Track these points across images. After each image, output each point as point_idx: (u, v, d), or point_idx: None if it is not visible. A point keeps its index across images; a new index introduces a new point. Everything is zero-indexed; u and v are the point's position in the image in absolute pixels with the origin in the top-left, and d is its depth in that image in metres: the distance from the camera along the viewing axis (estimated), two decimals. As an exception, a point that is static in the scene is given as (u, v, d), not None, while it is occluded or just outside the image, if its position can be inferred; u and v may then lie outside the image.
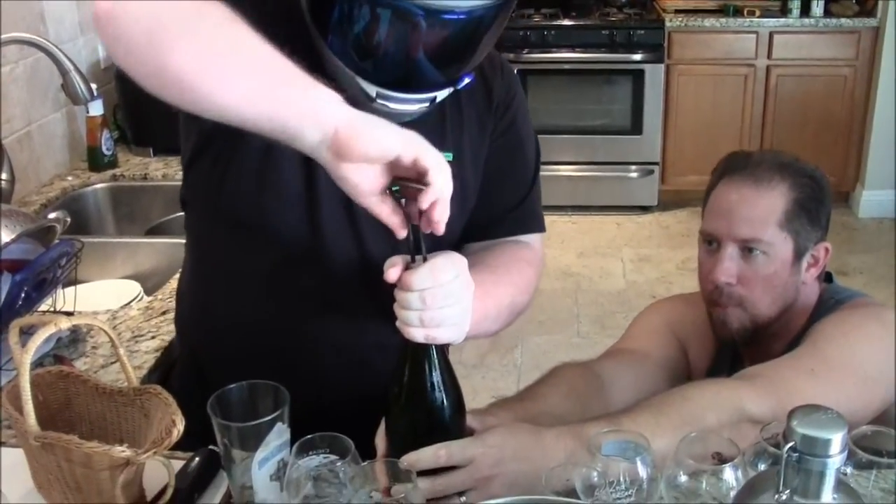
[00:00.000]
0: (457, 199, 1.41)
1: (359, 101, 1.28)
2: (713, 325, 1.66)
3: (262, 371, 1.37)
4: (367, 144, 1.06)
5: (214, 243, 1.53)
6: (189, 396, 1.31)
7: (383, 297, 1.20)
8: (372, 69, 1.29)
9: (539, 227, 1.57)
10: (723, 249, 1.60)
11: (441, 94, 1.34)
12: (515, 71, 5.08)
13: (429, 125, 1.39)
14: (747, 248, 1.59)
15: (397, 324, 1.17)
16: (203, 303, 1.60)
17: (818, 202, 1.62)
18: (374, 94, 1.29)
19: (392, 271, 1.17)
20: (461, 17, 1.21)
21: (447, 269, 1.17)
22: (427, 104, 1.34)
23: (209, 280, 1.57)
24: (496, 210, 1.53)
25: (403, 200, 1.13)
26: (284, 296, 1.48)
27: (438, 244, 1.40)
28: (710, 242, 1.63)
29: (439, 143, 1.37)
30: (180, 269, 1.69)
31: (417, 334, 1.16)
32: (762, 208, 1.58)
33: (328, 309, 1.49)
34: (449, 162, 1.36)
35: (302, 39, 1.26)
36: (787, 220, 1.59)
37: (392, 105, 1.31)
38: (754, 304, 1.60)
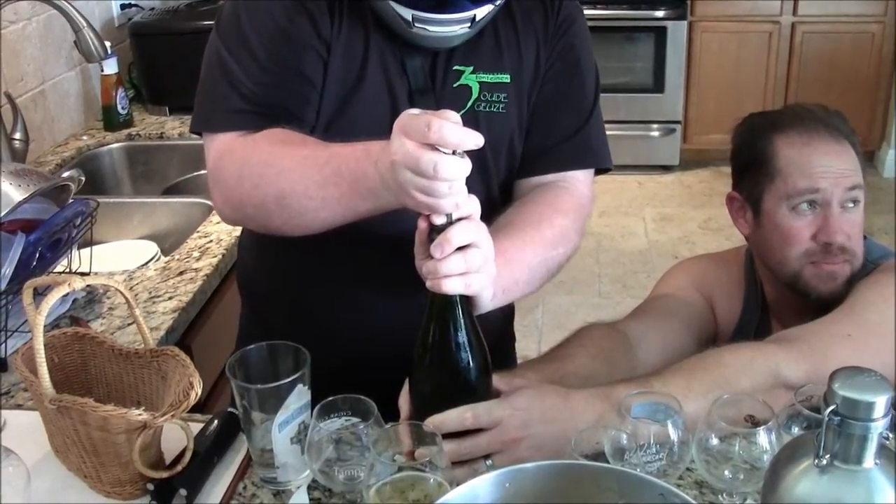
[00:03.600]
0: (515, 121, 1.45)
1: (400, 29, 1.32)
2: (807, 285, 1.59)
3: (308, 328, 1.39)
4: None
5: None
6: None
7: None
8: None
9: (595, 162, 1.51)
10: (831, 207, 1.56)
11: (480, 13, 1.31)
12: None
13: (483, 47, 1.41)
14: (846, 202, 1.56)
15: (426, 282, 1.14)
16: (263, 253, 1.60)
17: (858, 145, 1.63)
18: (410, 19, 1.29)
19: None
20: None
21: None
22: (468, 25, 1.32)
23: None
24: (550, 140, 1.49)
25: None
26: (340, 245, 1.44)
27: (510, 165, 1.48)
28: (800, 205, 1.57)
29: (496, 64, 1.41)
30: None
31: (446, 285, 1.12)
32: (850, 156, 1.58)
33: (381, 259, 1.43)
34: (506, 84, 1.42)
35: None
36: (860, 164, 1.59)
37: (431, 28, 1.31)
38: (857, 255, 1.58)
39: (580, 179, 1.49)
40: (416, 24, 1.30)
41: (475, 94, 1.42)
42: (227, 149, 1.35)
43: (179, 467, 1.22)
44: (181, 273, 1.96)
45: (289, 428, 1.20)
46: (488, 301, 1.21)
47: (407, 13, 1.29)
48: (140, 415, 1.15)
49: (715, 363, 1.32)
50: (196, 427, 1.30)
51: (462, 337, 1.14)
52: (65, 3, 2.32)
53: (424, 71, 1.40)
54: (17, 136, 2.42)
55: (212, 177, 1.38)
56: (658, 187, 5.38)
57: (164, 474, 1.22)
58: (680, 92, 5.35)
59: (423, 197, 1.08)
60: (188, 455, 1.22)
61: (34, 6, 2.58)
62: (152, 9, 3.18)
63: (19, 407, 1.48)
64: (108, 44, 2.45)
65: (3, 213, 1.65)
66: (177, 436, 1.23)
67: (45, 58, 2.70)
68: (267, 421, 1.20)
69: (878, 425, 0.90)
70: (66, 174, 2.25)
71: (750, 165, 1.64)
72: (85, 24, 2.30)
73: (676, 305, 1.70)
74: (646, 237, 4.82)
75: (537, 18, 1.45)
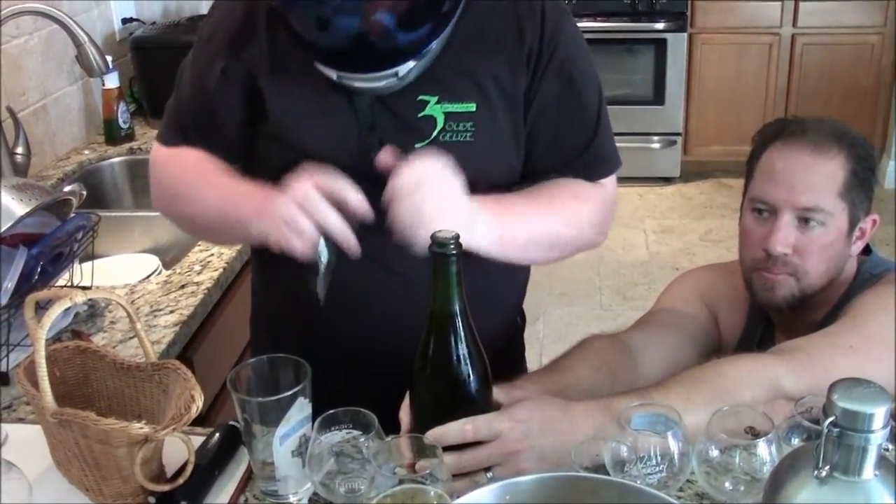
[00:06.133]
0: (490, 146, 1.45)
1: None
2: (754, 290, 1.61)
3: (314, 342, 1.44)
4: None
5: None
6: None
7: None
8: (324, 57, 1.33)
9: (609, 170, 1.54)
10: (780, 217, 1.54)
11: (403, 69, 1.32)
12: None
13: (448, 76, 1.41)
14: (804, 218, 1.54)
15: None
16: (267, 265, 1.61)
17: (871, 173, 1.58)
18: (335, 78, 1.34)
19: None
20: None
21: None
22: (393, 78, 1.33)
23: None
24: (562, 160, 1.50)
25: None
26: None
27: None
28: (761, 210, 1.58)
29: (461, 93, 1.41)
30: None
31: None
32: (823, 176, 1.54)
33: (381, 273, 1.47)
34: (472, 112, 1.41)
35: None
36: (846, 189, 1.54)
37: (357, 84, 1.35)
38: (808, 274, 1.55)
39: (601, 182, 1.53)
40: (344, 81, 1.34)
41: (440, 125, 1.41)
42: (162, 158, 1.57)
43: (181, 480, 1.22)
44: (182, 287, 1.96)
45: (290, 441, 1.20)
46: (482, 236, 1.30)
47: (331, 73, 1.33)
48: (141, 428, 1.15)
49: (715, 375, 1.32)
50: (197, 440, 1.30)
51: (462, 349, 1.14)
52: (66, 17, 2.32)
53: (373, 109, 1.41)
54: (19, 150, 2.43)
55: (154, 181, 1.59)
56: (659, 199, 5.38)
57: (166, 487, 1.22)
58: (680, 104, 5.35)
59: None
60: (190, 468, 1.22)
61: (36, 21, 2.59)
62: (153, 23, 3.19)
63: (21, 420, 1.48)
64: (109, 58, 2.46)
65: (4, 228, 1.65)
66: (178, 449, 1.23)
67: (47, 72, 2.71)
68: (268, 434, 1.20)
69: (878, 436, 0.90)
70: (67, 188, 2.26)
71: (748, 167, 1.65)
72: (86, 39, 2.31)
73: (680, 317, 1.69)
74: (646, 249, 4.82)
75: (510, 42, 1.42)
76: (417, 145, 1.41)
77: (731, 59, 5.30)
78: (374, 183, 1.42)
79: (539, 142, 1.48)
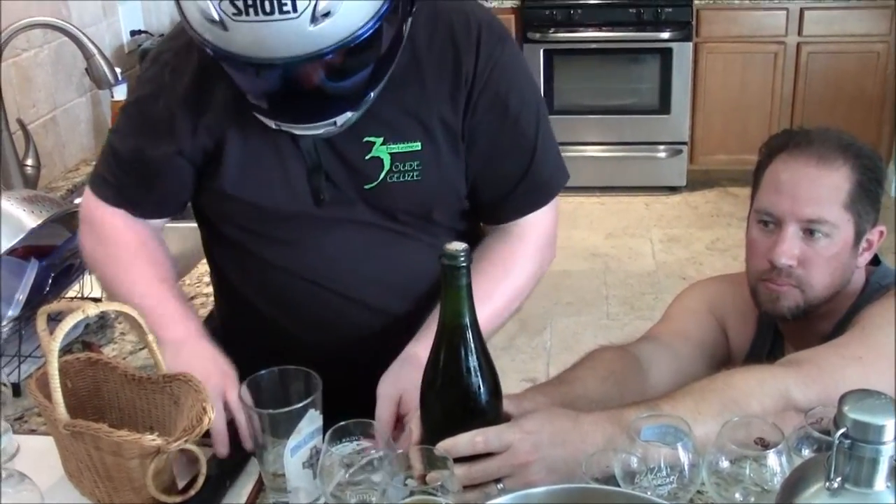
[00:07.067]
0: (436, 182, 1.46)
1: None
2: (759, 301, 1.61)
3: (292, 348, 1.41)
4: None
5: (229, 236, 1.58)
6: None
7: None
8: (263, 110, 1.34)
9: (550, 195, 1.53)
10: (784, 229, 1.54)
11: (341, 119, 1.34)
12: (542, 49, 5.06)
13: (391, 117, 1.41)
14: (809, 230, 1.53)
15: None
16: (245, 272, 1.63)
17: (878, 184, 1.58)
18: (274, 127, 1.35)
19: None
20: (283, 64, 1.21)
21: None
22: (332, 126, 1.35)
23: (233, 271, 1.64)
24: (503, 189, 1.50)
25: None
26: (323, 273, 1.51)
27: (459, 220, 1.53)
28: (767, 222, 1.57)
29: (406, 133, 1.41)
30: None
31: None
32: (827, 188, 1.53)
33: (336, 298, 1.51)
34: (417, 151, 1.42)
35: None
36: (851, 201, 1.53)
37: (296, 131, 1.36)
38: (812, 286, 1.55)
39: (538, 217, 1.53)
40: (283, 128, 1.35)
41: (387, 167, 1.42)
42: (91, 217, 1.57)
43: (192, 492, 1.23)
44: (191, 298, 1.96)
45: (301, 452, 1.21)
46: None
47: (271, 123, 1.35)
48: (154, 440, 1.16)
49: (725, 386, 1.32)
50: (209, 451, 1.30)
51: (472, 361, 1.14)
52: (76, 30, 2.34)
53: (318, 150, 1.42)
54: (30, 161, 2.44)
55: (82, 219, 1.60)
56: (665, 208, 5.38)
57: (178, 499, 1.22)
58: (686, 113, 5.35)
59: None
60: (201, 480, 1.23)
61: (46, 33, 2.61)
62: (161, 35, 3.21)
63: (33, 432, 1.48)
64: (118, 70, 2.47)
65: (16, 240, 1.66)
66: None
67: (57, 84, 2.73)
68: (279, 445, 1.21)
69: (889, 448, 0.90)
70: (77, 201, 2.25)
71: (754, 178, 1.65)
72: (96, 51, 2.32)
73: (689, 328, 1.69)
74: (653, 258, 4.82)
75: (448, 73, 1.41)
76: (367, 187, 1.43)
77: (736, 68, 5.30)
78: (328, 223, 1.46)
79: (474, 172, 1.48)
